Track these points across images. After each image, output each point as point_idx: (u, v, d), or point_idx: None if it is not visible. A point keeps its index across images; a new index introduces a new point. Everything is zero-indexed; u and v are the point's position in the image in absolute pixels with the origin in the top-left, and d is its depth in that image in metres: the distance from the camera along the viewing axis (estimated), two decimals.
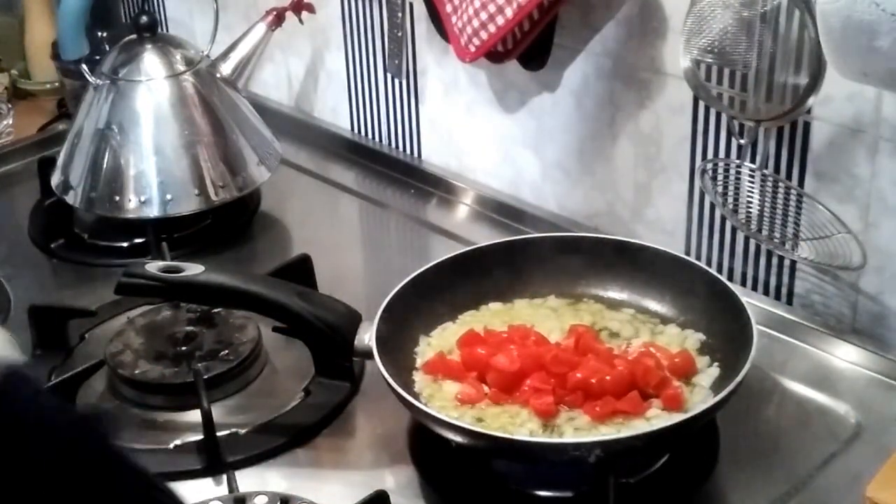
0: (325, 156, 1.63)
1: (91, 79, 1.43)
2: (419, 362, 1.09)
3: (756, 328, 1.02)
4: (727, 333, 1.07)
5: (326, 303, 1.09)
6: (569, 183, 1.40)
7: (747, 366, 0.98)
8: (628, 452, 0.97)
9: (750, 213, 1.20)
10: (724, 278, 1.12)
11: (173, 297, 1.19)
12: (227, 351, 1.16)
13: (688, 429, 0.97)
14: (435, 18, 1.39)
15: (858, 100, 1.09)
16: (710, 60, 1.11)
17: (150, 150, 1.39)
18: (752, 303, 1.12)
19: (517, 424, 1.00)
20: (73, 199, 1.42)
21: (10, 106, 1.78)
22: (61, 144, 1.46)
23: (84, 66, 1.46)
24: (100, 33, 1.71)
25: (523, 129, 1.42)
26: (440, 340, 1.12)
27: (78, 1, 1.53)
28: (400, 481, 1.03)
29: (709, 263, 1.26)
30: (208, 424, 1.05)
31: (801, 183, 1.16)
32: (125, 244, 1.43)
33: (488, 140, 1.47)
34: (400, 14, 1.46)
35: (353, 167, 1.60)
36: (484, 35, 1.26)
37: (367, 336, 1.05)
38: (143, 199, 1.38)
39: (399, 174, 1.56)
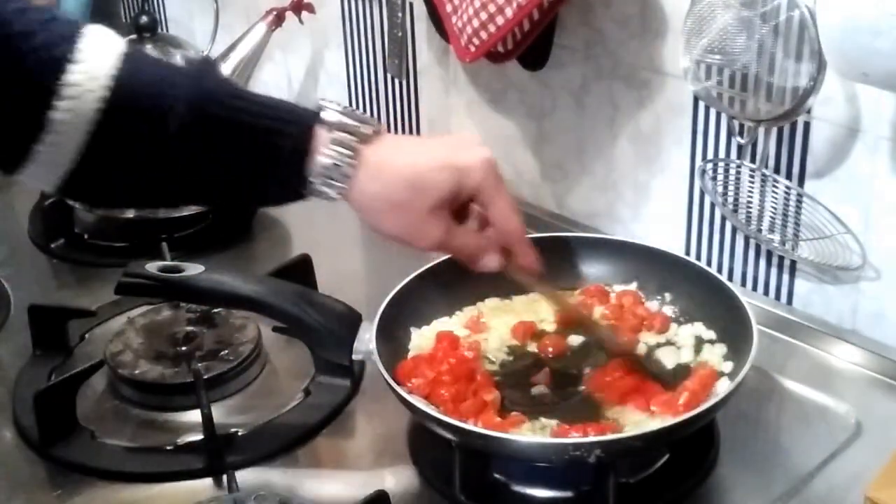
0: None
1: None
2: None
3: (756, 328, 1.02)
4: (727, 333, 1.07)
5: (326, 303, 1.09)
6: (568, 183, 1.40)
7: (747, 366, 0.97)
8: (628, 452, 0.97)
9: (750, 213, 1.20)
10: (724, 278, 1.12)
11: (173, 297, 1.19)
12: (227, 351, 1.16)
13: (688, 429, 0.97)
14: (435, 18, 1.39)
15: (858, 100, 1.09)
16: (710, 60, 1.11)
17: None
18: (752, 303, 1.12)
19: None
20: None
21: None
22: None
23: None
24: None
25: (523, 129, 1.42)
26: None
27: (78, 1, 1.53)
28: (400, 481, 1.03)
29: (709, 263, 1.26)
30: (208, 424, 1.05)
31: (801, 183, 1.16)
32: (125, 244, 1.43)
33: (488, 140, 1.47)
34: (400, 14, 1.46)
35: None
36: (484, 35, 1.26)
37: (367, 336, 1.05)
38: None
39: None
